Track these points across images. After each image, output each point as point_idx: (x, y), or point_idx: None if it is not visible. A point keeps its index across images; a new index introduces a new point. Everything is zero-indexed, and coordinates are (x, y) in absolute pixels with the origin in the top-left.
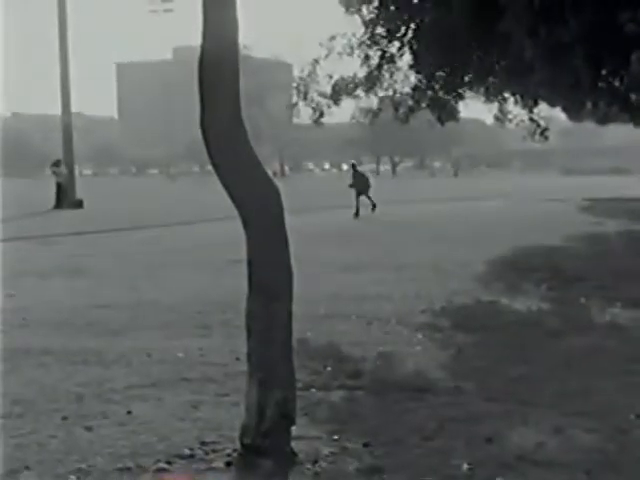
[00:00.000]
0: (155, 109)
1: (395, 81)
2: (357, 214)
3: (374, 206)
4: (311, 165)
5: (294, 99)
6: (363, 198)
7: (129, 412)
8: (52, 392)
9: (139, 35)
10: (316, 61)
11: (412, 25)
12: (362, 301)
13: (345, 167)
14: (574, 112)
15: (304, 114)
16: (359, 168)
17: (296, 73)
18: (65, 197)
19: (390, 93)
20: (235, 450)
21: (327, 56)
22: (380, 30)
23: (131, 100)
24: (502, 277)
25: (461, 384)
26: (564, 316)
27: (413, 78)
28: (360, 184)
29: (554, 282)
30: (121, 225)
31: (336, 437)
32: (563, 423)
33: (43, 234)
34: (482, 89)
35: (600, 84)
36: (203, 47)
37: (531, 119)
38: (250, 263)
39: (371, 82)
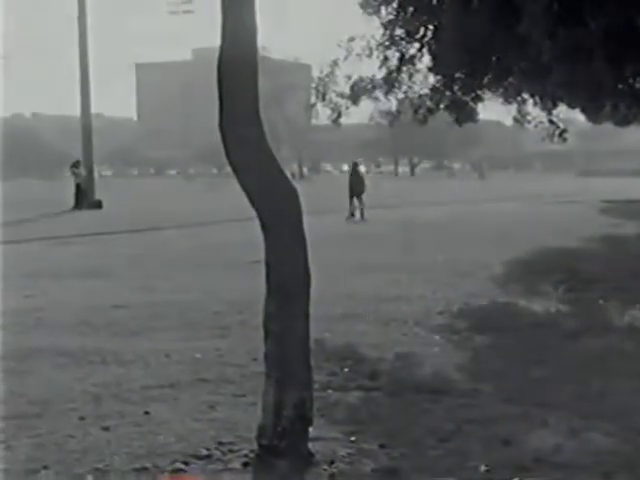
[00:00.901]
0: (174, 110)
1: (414, 82)
2: (353, 215)
3: (363, 213)
4: (329, 167)
5: (312, 100)
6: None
7: (146, 412)
8: (69, 392)
9: (159, 36)
10: (335, 62)
11: (431, 27)
12: (379, 302)
13: (363, 169)
14: (593, 114)
15: (322, 115)
16: (361, 168)
17: (315, 74)
18: (84, 198)
19: (409, 95)
20: (252, 451)
21: (346, 57)
22: (399, 31)
23: (150, 101)
24: (520, 279)
25: (478, 386)
26: (582, 317)
27: (432, 79)
28: (357, 186)
29: (572, 283)
30: (139, 226)
31: (353, 438)
32: (581, 425)
33: (61, 235)
34: (501, 90)
35: (620, 86)
36: (222, 48)
37: (550, 121)
38: (268, 264)
39: (390, 83)
